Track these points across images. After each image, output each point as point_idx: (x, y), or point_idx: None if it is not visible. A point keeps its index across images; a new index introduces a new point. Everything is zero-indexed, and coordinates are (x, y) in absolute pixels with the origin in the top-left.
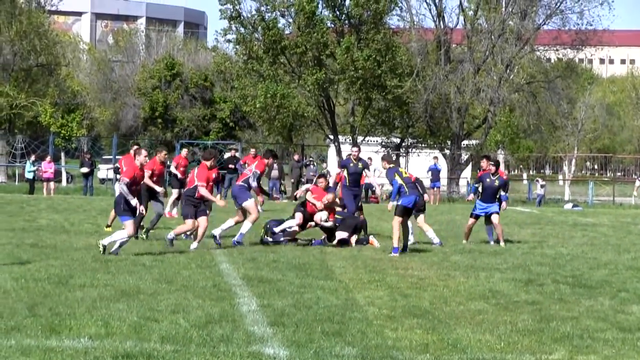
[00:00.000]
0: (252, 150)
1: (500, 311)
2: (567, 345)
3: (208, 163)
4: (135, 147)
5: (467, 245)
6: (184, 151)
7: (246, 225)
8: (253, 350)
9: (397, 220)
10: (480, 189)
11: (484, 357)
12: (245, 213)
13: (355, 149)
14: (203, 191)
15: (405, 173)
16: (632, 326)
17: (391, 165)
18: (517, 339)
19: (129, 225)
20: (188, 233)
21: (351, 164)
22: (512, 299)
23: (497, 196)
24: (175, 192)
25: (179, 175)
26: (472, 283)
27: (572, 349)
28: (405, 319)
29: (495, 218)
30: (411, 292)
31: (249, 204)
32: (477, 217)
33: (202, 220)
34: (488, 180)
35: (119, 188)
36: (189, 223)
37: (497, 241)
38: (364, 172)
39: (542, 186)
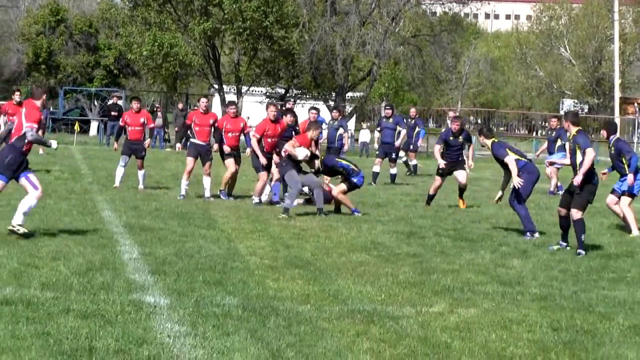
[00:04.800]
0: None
1: (381, 263)
2: (448, 297)
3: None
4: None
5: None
6: (17, 95)
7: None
8: (134, 298)
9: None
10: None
11: (365, 309)
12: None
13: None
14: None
15: None
16: (512, 280)
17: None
18: (398, 291)
19: None
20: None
21: (451, 137)
22: (393, 251)
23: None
24: None
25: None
26: (354, 235)
27: (453, 302)
28: (287, 270)
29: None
30: (293, 242)
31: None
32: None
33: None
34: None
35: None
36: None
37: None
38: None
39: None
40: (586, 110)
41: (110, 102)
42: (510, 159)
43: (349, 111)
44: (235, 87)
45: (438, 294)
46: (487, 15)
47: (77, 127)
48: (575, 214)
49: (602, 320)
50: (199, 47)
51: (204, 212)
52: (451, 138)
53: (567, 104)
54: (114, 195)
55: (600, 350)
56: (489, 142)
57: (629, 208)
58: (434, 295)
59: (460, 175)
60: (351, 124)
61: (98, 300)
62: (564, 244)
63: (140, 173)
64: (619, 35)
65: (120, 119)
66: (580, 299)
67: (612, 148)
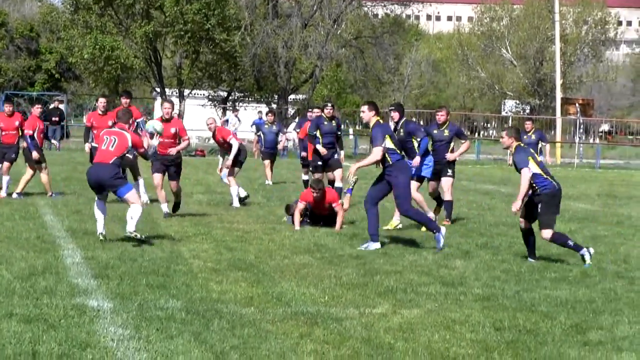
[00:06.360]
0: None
1: (324, 265)
2: (391, 298)
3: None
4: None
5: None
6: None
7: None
8: (77, 303)
9: None
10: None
11: (308, 311)
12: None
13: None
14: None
15: None
16: (455, 280)
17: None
18: (341, 292)
19: None
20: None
21: (435, 131)
22: (337, 253)
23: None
24: None
25: None
26: (298, 237)
27: (396, 303)
28: (230, 272)
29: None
30: (237, 245)
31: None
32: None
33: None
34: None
35: None
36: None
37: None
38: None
39: None
40: (528, 111)
41: (52, 106)
42: (378, 150)
43: (291, 114)
44: (177, 90)
45: (381, 295)
46: (429, 17)
47: None
48: (545, 234)
49: (545, 320)
50: (141, 50)
51: (147, 216)
52: (435, 131)
53: (509, 105)
54: (56, 200)
55: (542, 349)
56: (373, 120)
57: (417, 192)
58: (377, 296)
59: (446, 185)
60: (292, 126)
61: (41, 304)
62: (532, 260)
63: (5, 179)
64: (560, 35)
65: None
66: (523, 299)
67: (402, 130)
